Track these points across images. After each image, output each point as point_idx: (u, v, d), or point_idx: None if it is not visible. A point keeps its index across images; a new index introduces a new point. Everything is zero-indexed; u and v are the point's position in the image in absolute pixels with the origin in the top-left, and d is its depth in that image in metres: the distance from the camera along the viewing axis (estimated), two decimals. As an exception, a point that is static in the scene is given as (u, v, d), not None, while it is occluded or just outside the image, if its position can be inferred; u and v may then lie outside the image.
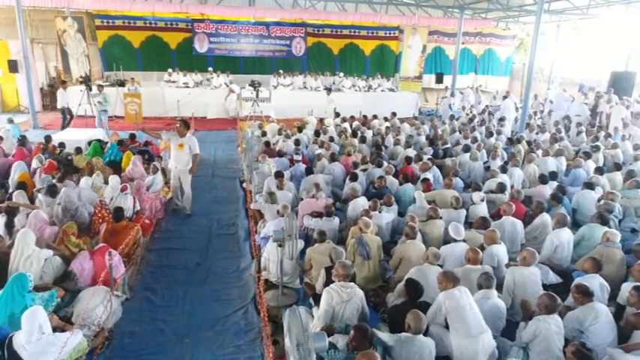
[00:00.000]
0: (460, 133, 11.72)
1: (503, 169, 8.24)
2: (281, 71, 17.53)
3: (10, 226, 5.52)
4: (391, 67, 20.70)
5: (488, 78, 22.42)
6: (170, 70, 16.78)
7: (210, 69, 17.30)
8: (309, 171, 8.11)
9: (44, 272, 4.79)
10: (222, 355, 4.25)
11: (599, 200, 6.85)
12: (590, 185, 7.31)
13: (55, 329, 3.78)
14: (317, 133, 11.01)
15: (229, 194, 8.64)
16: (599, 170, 8.43)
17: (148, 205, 6.95)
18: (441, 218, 6.16)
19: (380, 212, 6.32)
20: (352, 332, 3.43)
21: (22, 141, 8.90)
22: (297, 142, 9.69)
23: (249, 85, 14.45)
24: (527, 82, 12.35)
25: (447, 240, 5.71)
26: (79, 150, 8.77)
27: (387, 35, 20.23)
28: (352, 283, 4.21)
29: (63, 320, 4.12)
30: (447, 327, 3.99)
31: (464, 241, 5.37)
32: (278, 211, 5.98)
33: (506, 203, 6.29)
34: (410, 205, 6.92)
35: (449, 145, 10.57)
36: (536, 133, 12.10)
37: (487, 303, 4.19)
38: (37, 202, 6.44)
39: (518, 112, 14.91)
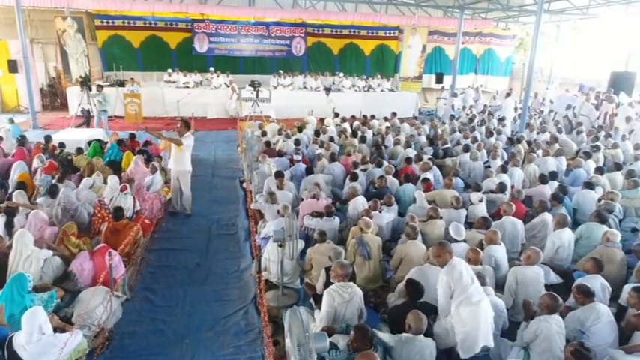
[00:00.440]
0: (460, 133, 11.72)
1: (504, 169, 8.23)
2: (281, 71, 17.53)
3: (9, 227, 5.51)
4: (391, 67, 20.71)
5: (488, 78, 22.43)
6: (170, 70, 16.78)
7: (211, 69, 17.29)
8: (309, 171, 8.10)
9: (44, 272, 4.78)
10: (222, 355, 4.24)
11: (599, 200, 6.85)
12: (590, 185, 7.31)
13: (55, 329, 3.77)
14: (317, 133, 11.00)
15: (229, 194, 8.63)
16: (600, 170, 8.43)
17: (148, 205, 6.94)
18: (441, 218, 6.15)
19: (380, 212, 6.32)
20: (353, 333, 3.42)
21: (22, 141, 8.89)
22: (297, 142, 9.69)
23: (249, 85, 14.44)
24: (527, 82, 12.34)
25: (448, 240, 5.69)
26: (80, 150, 8.76)
27: (387, 35, 20.23)
28: (352, 283, 4.20)
29: (63, 320, 4.11)
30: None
31: (464, 241, 5.36)
32: (278, 211, 5.97)
33: (506, 203, 6.29)
34: (410, 205, 6.91)
35: (449, 145, 10.58)
36: (537, 133, 12.10)
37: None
38: (38, 202, 6.44)
39: (517, 112, 14.95)
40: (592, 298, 4.12)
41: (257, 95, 14.15)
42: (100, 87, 13.03)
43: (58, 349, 3.45)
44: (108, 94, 13.21)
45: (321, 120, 12.99)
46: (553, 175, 8.00)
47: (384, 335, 3.66)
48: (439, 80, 18.34)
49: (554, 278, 5.23)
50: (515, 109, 15.97)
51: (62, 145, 9.10)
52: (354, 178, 7.45)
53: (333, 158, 8.58)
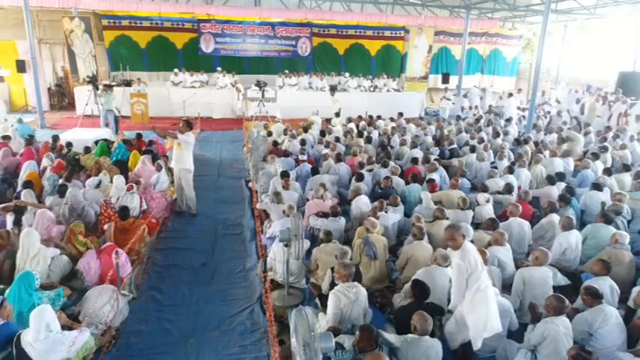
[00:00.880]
0: (467, 133, 11.67)
1: (510, 170, 8.19)
2: (287, 71, 17.54)
3: (18, 225, 5.55)
4: (397, 67, 20.66)
5: (495, 78, 22.34)
6: (176, 70, 16.82)
7: (218, 69, 17.31)
8: (315, 171, 8.10)
9: (51, 271, 4.82)
10: (227, 354, 4.25)
11: (604, 205, 6.79)
12: (597, 186, 7.25)
13: (62, 327, 3.78)
14: (322, 133, 11.00)
15: (235, 194, 8.65)
16: (608, 171, 8.37)
17: (154, 204, 6.96)
18: (447, 219, 6.13)
19: (386, 213, 6.30)
20: (358, 333, 3.41)
21: (30, 140, 8.94)
22: (302, 142, 9.68)
23: (255, 85, 14.46)
24: (534, 83, 12.27)
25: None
26: (87, 149, 8.82)
27: (393, 35, 20.18)
28: (356, 283, 4.20)
29: (70, 319, 4.14)
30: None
31: (471, 241, 5.33)
32: (284, 211, 5.97)
33: (512, 204, 6.25)
34: (416, 205, 6.89)
35: (455, 146, 10.52)
36: (544, 134, 12.03)
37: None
38: (46, 201, 6.48)
39: (523, 112, 14.90)
40: (600, 300, 4.09)
41: (263, 95, 14.16)
42: (106, 87, 13.07)
43: (66, 347, 3.46)
44: (114, 93, 13.20)
45: (327, 120, 12.98)
46: (560, 176, 7.94)
47: (390, 336, 3.65)
48: (445, 80, 18.30)
49: (562, 280, 5.19)
50: (518, 107, 15.94)
51: (69, 144, 9.17)
52: (360, 178, 7.45)
53: (338, 158, 8.57)
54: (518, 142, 10.88)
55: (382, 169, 8.20)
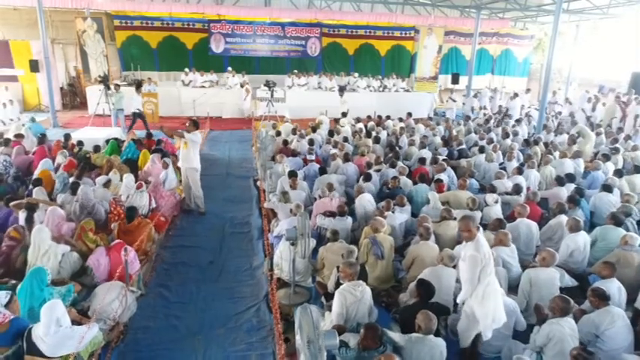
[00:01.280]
0: (476, 134, 11.62)
1: (519, 171, 8.15)
2: (296, 71, 17.58)
3: (29, 222, 5.64)
4: (406, 67, 20.62)
5: (505, 79, 22.18)
6: (186, 69, 16.94)
7: (229, 69, 17.41)
8: (323, 171, 8.12)
9: (62, 267, 4.89)
10: (233, 351, 4.29)
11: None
12: (607, 188, 7.17)
13: (72, 322, 3.85)
14: (331, 133, 11.03)
15: (243, 193, 8.70)
16: (618, 172, 8.27)
17: (163, 202, 7.04)
18: (455, 219, 6.10)
19: (393, 213, 6.31)
20: (363, 331, 3.43)
21: (42, 139, 9.08)
22: (310, 142, 9.71)
23: (264, 85, 14.52)
24: (544, 83, 12.17)
25: (460, 241, 5.65)
26: (97, 148, 8.92)
27: (403, 35, 20.13)
28: (361, 281, 4.22)
29: (80, 314, 4.21)
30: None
31: (478, 242, 5.32)
32: (291, 210, 6.00)
33: (520, 205, 6.22)
34: (423, 205, 6.89)
35: (464, 146, 10.48)
36: (555, 135, 11.93)
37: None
38: (57, 199, 6.58)
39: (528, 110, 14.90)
40: (607, 301, 4.06)
41: (272, 95, 14.21)
42: (117, 86, 13.23)
43: (75, 342, 3.52)
44: (123, 93, 13.35)
45: (335, 120, 13.00)
46: (570, 177, 7.88)
47: (394, 335, 3.66)
48: (455, 81, 18.20)
49: (569, 281, 5.16)
50: (522, 106, 15.90)
51: (80, 143, 9.30)
52: (367, 178, 7.46)
53: (346, 158, 8.58)
54: (528, 142, 10.80)
55: (390, 170, 8.20)
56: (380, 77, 18.30)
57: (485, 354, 4.22)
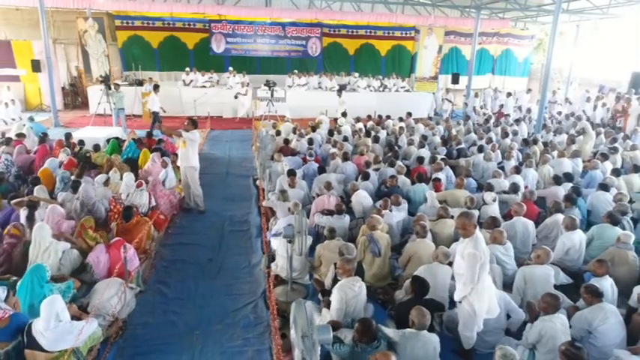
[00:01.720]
0: (475, 133, 11.66)
1: (517, 170, 8.19)
2: (296, 71, 17.63)
3: (31, 220, 5.69)
4: (407, 67, 20.66)
5: (506, 79, 22.22)
6: (187, 69, 17.01)
7: (230, 68, 17.47)
8: (322, 170, 8.17)
9: (62, 264, 4.95)
10: (231, 347, 4.34)
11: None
12: (604, 187, 7.21)
13: (72, 318, 3.91)
14: (331, 133, 11.08)
15: (242, 192, 8.76)
16: (616, 172, 8.31)
17: (163, 201, 7.10)
18: (452, 217, 6.16)
19: (390, 211, 6.36)
20: (357, 326, 3.48)
21: (43, 138, 9.15)
22: (310, 142, 9.77)
23: (264, 84, 14.57)
24: (543, 83, 12.21)
25: (457, 239, 5.70)
26: (97, 147, 8.99)
27: (403, 35, 20.17)
28: (358, 277, 4.28)
29: (80, 310, 4.27)
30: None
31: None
32: (289, 209, 6.05)
33: (517, 204, 6.26)
34: (421, 204, 6.94)
35: (463, 146, 10.52)
36: (554, 135, 11.97)
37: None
38: (58, 197, 6.65)
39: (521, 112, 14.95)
40: (600, 298, 4.10)
41: (272, 95, 14.26)
42: (116, 86, 13.32)
43: (74, 337, 3.58)
44: (123, 92, 13.43)
45: (335, 120, 13.05)
46: (567, 177, 7.92)
47: (389, 330, 3.71)
48: (455, 81, 18.25)
49: (564, 279, 5.22)
50: (520, 108, 15.95)
51: (82, 142, 9.38)
52: (365, 177, 7.52)
53: (345, 157, 8.64)
54: (527, 142, 10.84)
55: (389, 169, 8.25)
56: (380, 77, 18.34)
57: (479, 350, 4.26)
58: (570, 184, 7.61)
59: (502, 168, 8.72)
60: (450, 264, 4.94)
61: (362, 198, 6.64)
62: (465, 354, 4.19)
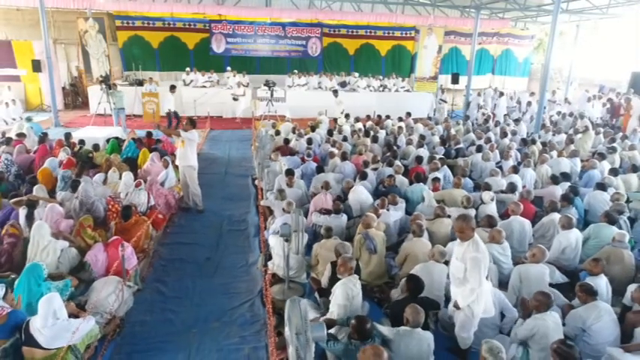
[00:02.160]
0: (474, 133, 11.67)
1: (515, 170, 8.21)
2: (296, 71, 17.65)
3: (30, 219, 5.73)
4: (407, 67, 20.69)
5: (506, 79, 22.23)
6: (188, 69, 17.05)
7: (228, 68, 17.51)
8: (320, 169, 8.20)
9: (60, 263, 4.99)
10: (227, 344, 4.38)
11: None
12: (602, 186, 7.23)
13: (70, 316, 3.95)
14: (330, 132, 11.11)
15: (241, 191, 8.79)
16: (614, 171, 8.33)
17: (161, 200, 7.13)
18: (449, 217, 6.19)
19: (388, 210, 6.39)
20: (353, 322, 3.51)
21: (43, 138, 9.19)
22: (309, 141, 9.80)
23: (264, 84, 14.60)
24: (542, 83, 12.22)
25: (454, 238, 5.72)
26: (96, 147, 9.03)
27: (403, 35, 20.21)
28: (356, 275, 4.31)
29: (78, 308, 4.30)
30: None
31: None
32: (283, 209, 6.08)
33: (514, 203, 6.29)
34: (418, 204, 6.96)
35: (461, 145, 10.54)
36: (553, 134, 11.98)
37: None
38: (57, 196, 6.69)
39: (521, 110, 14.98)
40: (594, 296, 4.13)
41: (271, 95, 14.29)
42: (114, 85, 13.36)
43: (71, 334, 3.62)
44: (122, 92, 13.47)
45: (335, 120, 13.07)
46: (565, 176, 7.94)
47: (383, 328, 3.73)
48: (455, 81, 18.25)
49: (560, 277, 5.24)
50: (519, 102, 16.00)
51: (82, 142, 9.41)
52: (363, 177, 7.54)
53: (344, 157, 8.66)
54: (525, 142, 10.86)
55: (387, 168, 8.28)
56: (380, 77, 18.36)
57: (475, 348, 4.28)
58: (568, 184, 7.64)
59: (500, 168, 8.74)
60: (447, 263, 4.98)
61: (359, 193, 6.67)
62: (461, 352, 4.22)
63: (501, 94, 16.69)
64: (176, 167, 8.21)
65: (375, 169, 8.35)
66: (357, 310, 4.20)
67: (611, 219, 5.92)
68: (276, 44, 19.40)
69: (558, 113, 15.53)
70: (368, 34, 20.03)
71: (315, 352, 3.36)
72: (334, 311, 4.17)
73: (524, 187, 7.78)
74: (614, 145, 10.20)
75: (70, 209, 6.31)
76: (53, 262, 4.90)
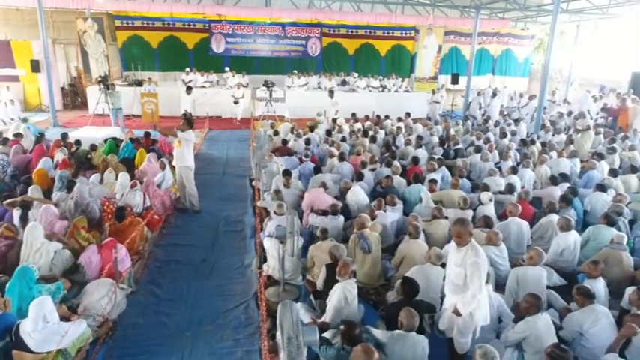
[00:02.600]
0: (474, 133, 11.60)
1: (514, 170, 8.16)
2: (295, 71, 17.61)
3: (24, 220, 5.70)
4: (407, 67, 20.65)
5: (506, 79, 22.15)
6: (187, 69, 17.01)
7: (226, 68, 17.48)
8: (318, 170, 8.16)
9: (54, 264, 4.94)
10: (220, 348, 4.34)
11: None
12: (602, 188, 7.18)
13: (62, 319, 3.91)
14: (329, 133, 11.06)
15: (238, 192, 8.75)
16: (614, 172, 8.27)
17: (157, 201, 7.09)
18: (446, 218, 6.14)
19: (385, 212, 6.34)
20: (342, 328, 3.47)
21: (40, 138, 9.16)
22: (307, 142, 9.76)
23: (263, 85, 14.56)
24: (542, 83, 12.16)
25: (451, 239, 5.67)
26: (93, 147, 9.00)
27: (403, 35, 20.18)
28: (354, 279, 4.28)
29: (70, 310, 4.26)
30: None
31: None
32: (275, 212, 6.04)
33: (512, 204, 6.24)
34: (416, 205, 6.91)
35: (460, 146, 10.49)
36: (552, 135, 11.92)
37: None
38: (53, 197, 6.65)
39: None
40: (592, 299, 4.08)
41: (270, 95, 14.25)
42: (112, 85, 13.34)
43: (61, 337, 3.58)
44: (120, 92, 13.44)
45: (333, 120, 13.02)
46: (564, 177, 7.89)
47: (377, 332, 3.70)
48: (455, 81, 18.20)
49: (558, 280, 5.19)
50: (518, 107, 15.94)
51: (78, 142, 9.36)
52: (360, 178, 7.50)
53: (342, 158, 8.61)
54: (525, 142, 10.80)
55: (385, 169, 8.24)
56: (380, 77, 18.31)
57: (470, 351, 4.23)
58: (567, 185, 7.58)
59: (499, 169, 8.69)
60: (443, 265, 4.94)
61: (356, 195, 6.63)
62: (457, 357, 4.17)
63: (494, 94, 16.58)
64: (173, 168, 8.18)
65: (373, 170, 8.31)
66: (353, 313, 4.17)
67: (610, 221, 5.86)
68: (275, 44, 19.38)
69: (558, 112, 15.48)
70: (368, 34, 20.01)
71: (308, 356, 3.32)
72: (329, 314, 4.13)
73: (522, 187, 7.74)
74: (614, 145, 10.14)
75: (66, 210, 6.28)
76: (46, 263, 4.86)
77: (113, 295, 4.47)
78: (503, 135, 11.21)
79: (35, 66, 15.13)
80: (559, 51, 18.20)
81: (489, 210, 6.68)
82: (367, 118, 13.55)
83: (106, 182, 7.43)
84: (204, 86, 16.21)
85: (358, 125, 12.35)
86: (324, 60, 19.93)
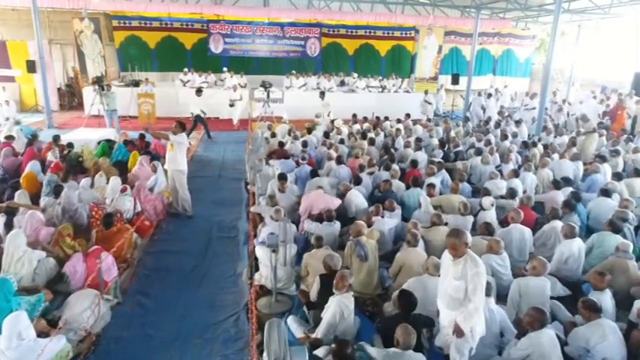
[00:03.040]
0: (474, 135, 11.40)
1: (516, 174, 7.95)
2: (294, 72, 17.42)
3: (9, 226, 5.50)
4: (407, 67, 20.44)
5: (507, 79, 21.91)
6: (185, 69, 16.82)
7: (225, 69, 17.29)
8: (315, 173, 7.95)
9: (37, 274, 4.74)
10: (208, 363, 4.14)
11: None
12: (606, 192, 6.96)
13: (40, 334, 3.71)
14: (326, 135, 10.85)
15: (233, 196, 8.52)
16: (618, 176, 8.05)
17: (149, 206, 6.90)
18: (446, 224, 5.94)
19: (382, 217, 6.14)
20: (333, 347, 3.28)
21: (32, 140, 8.96)
22: (304, 144, 9.56)
23: (260, 85, 14.36)
24: (543, 83, 11.96)
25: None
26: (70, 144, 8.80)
27: (403, 36, 19.98)
28: (351, 293, 4.10)
29: (50, 324, 4.06)
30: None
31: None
32: (271, 217, 5.84)
33: (514, 210, 6.04)
34: (415, 210, 6.71)
35: (461, 148, 10.28)
36: (554, 136, 11.72)
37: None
38: (41, 202, 6.46)
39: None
40: (599, 313, 3.88)
41: (268, 96, 14.04)
42: (108, 86, 13.14)
43: (37, 355, 3.38)
44: (115, 93, 13.24)
45: (332, 122, 12.83)
46: (567, 181, 7.68)
47: (372, 350, 3.51)
48: (455, 81, 17.99)
49: (562, 290, 4.98)
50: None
51: (70, 144, 9.15)
52: (358, 182, 7.30)
53: (339, 161, 8.40)
54: (526, 144, 10.59)
55: (383, 172, 8.04)
56: (379, 78, 18.09)
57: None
58: (570, 189, 7.37)
59: (500, 171, 8.48)
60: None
61: (354, 196, 6.43)
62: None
63: (489, 95, 16.35)
64: (165, 171, 7.99)
65: (371, 173, 8.10)
66: (349, 327, 3.99)
67: (615, 227, 5.65)
68: (274, 44, 19.19)
69: (559, 111, 15.30)
70: (367, 34, 19.81)
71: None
72: (322, 329, 3.93)
73: (524, 192, 7.53)
74: (618, 147, 9.93)
75: (53, 216, 6.09)
76: (29, 273, 4.67)
77: (96, 308, 4.27)
78: (504, 137, 10.99)
79: (31, 66, 14.92)
80: (560, 51, 17.98)
81: (491, 216, 6.47)
82: (366, 119, 13.35)
83: (96, 186, 7.24)
84: (202, 87, 15.97)
85: (357, 127, 12.15)
86: (324, 60, 19.74)
